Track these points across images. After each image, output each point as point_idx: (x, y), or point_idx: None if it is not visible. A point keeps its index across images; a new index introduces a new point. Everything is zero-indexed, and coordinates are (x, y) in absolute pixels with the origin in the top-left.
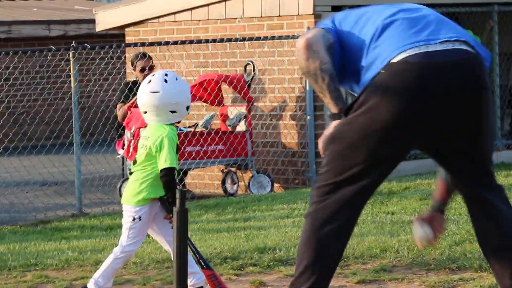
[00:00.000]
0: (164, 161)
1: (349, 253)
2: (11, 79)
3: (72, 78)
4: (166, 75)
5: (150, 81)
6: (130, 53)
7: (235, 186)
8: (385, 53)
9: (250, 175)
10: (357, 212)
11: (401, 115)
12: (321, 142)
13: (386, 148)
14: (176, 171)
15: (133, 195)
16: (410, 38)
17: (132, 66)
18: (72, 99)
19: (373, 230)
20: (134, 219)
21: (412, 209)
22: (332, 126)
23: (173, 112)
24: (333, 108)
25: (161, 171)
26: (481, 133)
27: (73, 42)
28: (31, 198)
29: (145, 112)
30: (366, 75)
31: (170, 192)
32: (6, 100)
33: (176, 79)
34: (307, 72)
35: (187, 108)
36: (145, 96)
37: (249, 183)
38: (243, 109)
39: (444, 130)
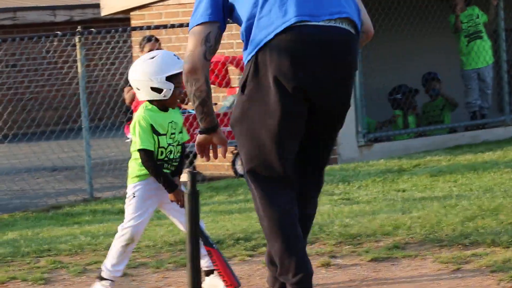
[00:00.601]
0: (136, 144)
1: (361, 231)
2: (18, 65)
3: (78, 63)
4: (151, 55)
5: None
6: (136, 37)
7: None
8: (270, 27)
9: None
10: (292, 184)
11: (286, 86)
12: (199, 145)
13: (285, 117)
14: (150, 153)
15: (129, 174)
16: (295, 10)
17: (140, 48)
18: (80, 84)
19: (384, 208)
20: (129, 196)
21: (423, 186)
22: (199, 137)
23: (138, 89)
24: (201, 125)
25: None
26: (338, 108)
27: (79, 27)
28: (42, 184)
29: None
30: (251, 44)
31: (153, 173)
32: (13, 86)
33: (151, 59)
34: (185, 89)
35: (154, 89)
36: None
37: None
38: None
39: (318, 104)
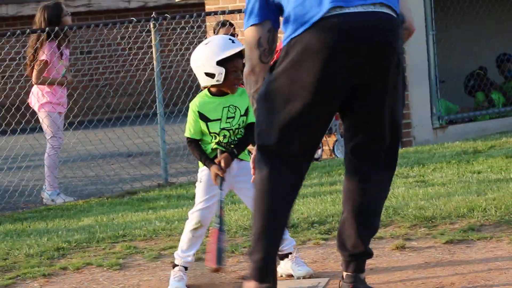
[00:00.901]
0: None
1: (436, 213)
2: (93, 52)
3: (153, 49)
4: (206, 41)
5: None
6: (210, 22)
7: (320, 150)
8: (308, 13)
9: (334, 139)
10: (299, 167)
11: (318, 72)
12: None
13: (310, 104)
14: (191, 140)
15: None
16: None
17: (214, 34)
18: (155, 70)
19: (459, 190)
20: (197, 181)
21: (499, 168)
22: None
23: (196, 75)
24: None
25: None
26: (386, 93)
27: (153, 13)
28: (117, 169)
29: None
30: (289, 28)
31: (197, 158)
32: (88, 73)
33: (206, 44)
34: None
35: (208, 74)
36: None
37: (333, 147)
38: None
39: (357, 88)
